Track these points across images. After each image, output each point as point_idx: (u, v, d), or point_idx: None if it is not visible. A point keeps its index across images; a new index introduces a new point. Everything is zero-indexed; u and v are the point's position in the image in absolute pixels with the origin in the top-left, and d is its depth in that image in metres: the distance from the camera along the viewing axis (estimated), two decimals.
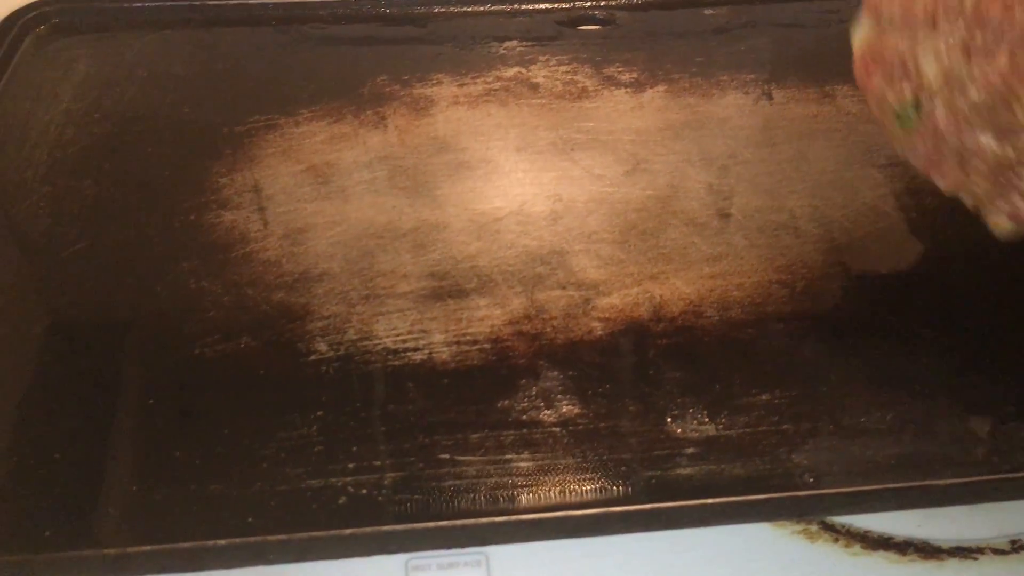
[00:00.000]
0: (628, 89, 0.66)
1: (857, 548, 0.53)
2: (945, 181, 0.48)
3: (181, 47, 0.68)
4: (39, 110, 0.63)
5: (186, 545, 0.42)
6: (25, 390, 0.49)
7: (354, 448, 0.46)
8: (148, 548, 0.42)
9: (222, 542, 0.42)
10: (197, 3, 0.70)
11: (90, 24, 0.69)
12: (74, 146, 0.61)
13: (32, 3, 0.69)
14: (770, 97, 0.65)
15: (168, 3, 0.70)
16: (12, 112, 0.63)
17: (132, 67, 0.66)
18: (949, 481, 0.46)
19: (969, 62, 0.42)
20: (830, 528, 0.53)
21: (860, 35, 0.49)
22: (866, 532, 0.52)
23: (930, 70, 0.44)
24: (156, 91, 0.65)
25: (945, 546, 0.53)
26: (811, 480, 0.46)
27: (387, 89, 0.65)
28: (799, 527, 0.53)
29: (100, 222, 0.56)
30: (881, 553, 0.52)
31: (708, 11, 0.73)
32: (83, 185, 0.58)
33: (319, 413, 0.48)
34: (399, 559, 0.53)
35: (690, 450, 0.47)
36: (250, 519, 0.44)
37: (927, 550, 0.52)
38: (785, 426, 0.48)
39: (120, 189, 0.58)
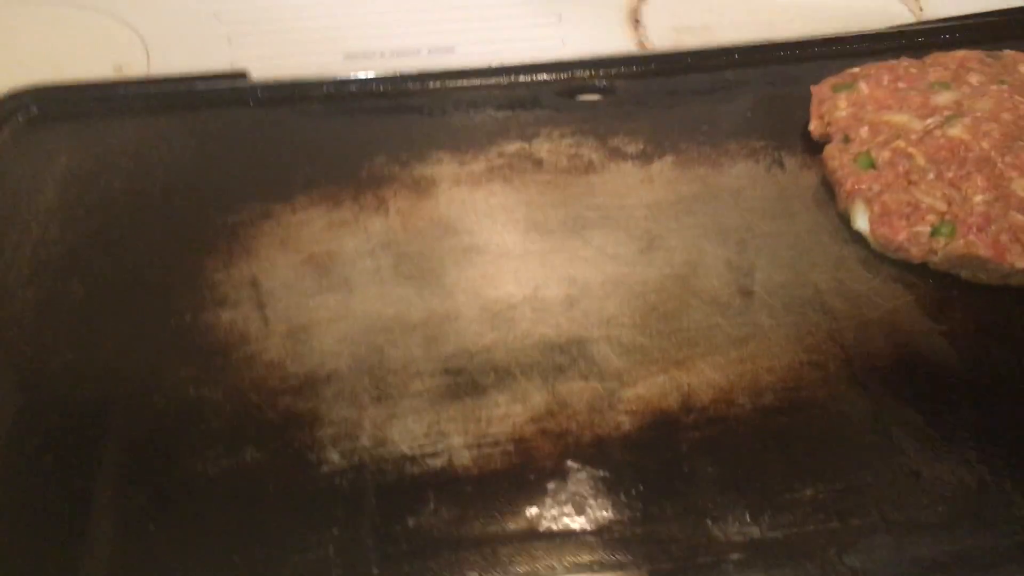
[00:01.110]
0: (635, 161, 0.64)
1: None
2: (1020, 259, 0.54)
3: (168, 132, 0.65)
4: (20, 206, 0.59)
5: None
6: (7, 521, 0.45)
7: (375, 570, 0.43)
8: None
9: None
10: (184, 87, 0.68)
11: (71, 112, 0.66)
12: (59, 245, 0.57)
13: (9, 93, 0.66)
14: (781, 165, 0.63)
15: (153, 87, 0.68)
16: None
17: (117, 156, 0.63)
18: None
19: (959, 188, 0.56)
20: None
21: (862, 218, 0.58)
22: None
23: (936, 204, 0.56)
24: (144, 181, 0.62)
25: None
26: None
27: (386, 170, 0.63)
28: None
29: (89, 328, 0.53)
30: None
31: (708, 75, 0.71)
32: (70, 287, 0.55)
33: (335, 531, 0.44)
34: None
35: (735, 556, 0.44)
36: None
37: None
38: (833, 524, 0.45)
39: (110, 290, 0.55)
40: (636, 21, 0.82)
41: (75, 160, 0.63)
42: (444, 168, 0.63)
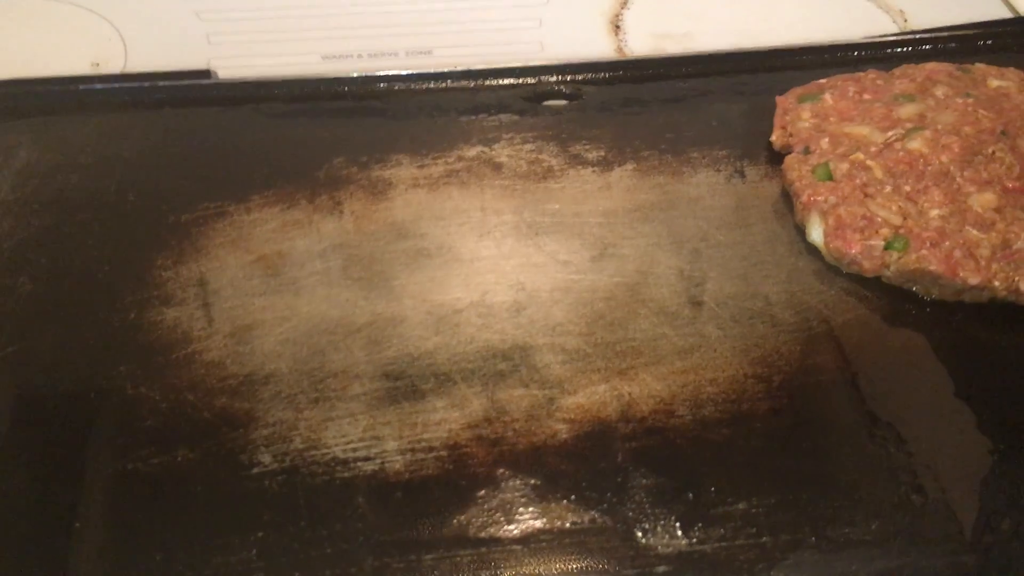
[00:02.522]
0: (595, 168, 0.63)
1: None
2: (973, 276, 0.53)
3: (128, 130, 0.65)
4: None
5: None
6: None
7: (297, 574, 0.43)
8: None
9: None
10: (146, 84, 0.68)
11: (33, 108, 0.66)
12: (10, 239, 0.57)
13: None
14: (742, 175, 0.63)
15: (115, 84, 0.68)
16: None
17: (76, 153, 0.63)
18: None
19: (916, 202, 0.56)
20: None
21: (816, 231, 0.57)
22: None
23: (891, 217, 0.56)
24: (101, 178, 0.62)
25: None
26: None
27: (344, 172, 0.63)
28: None
29: (33, 323, 0.53)
30: None
31: (678, 83, 0.71)
32: (17, 283, 0.55)
33: (260, 534, 0.44)
34: None
35: (662, 568, 0.43)
36: None
37: None
38: (764, 539, 0.44)
39: (57, 286, 0.55)
40: (616, 27, 0.81)
41: (34, 155, 0.63)
42: (402, 171, 0.63)
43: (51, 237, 0.58)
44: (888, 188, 0.56)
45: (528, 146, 0.65)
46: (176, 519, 0.45)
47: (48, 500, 0.45)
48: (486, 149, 0.64)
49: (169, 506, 0.45)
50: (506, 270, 0.57)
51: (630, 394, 0.50)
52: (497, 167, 0.63)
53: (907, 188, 0.56)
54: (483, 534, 0.45)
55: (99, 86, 0.68)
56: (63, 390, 0.50)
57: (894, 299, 0.55)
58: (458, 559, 0.44)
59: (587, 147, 0.65)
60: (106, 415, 0.49)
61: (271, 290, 0.55)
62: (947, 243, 0.53)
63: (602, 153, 0.64)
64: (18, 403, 0.49)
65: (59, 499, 0.45)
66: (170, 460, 0.47)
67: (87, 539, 0.44)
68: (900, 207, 0.55)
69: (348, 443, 0.48)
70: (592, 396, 0.50)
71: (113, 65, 0.74)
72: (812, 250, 0.58)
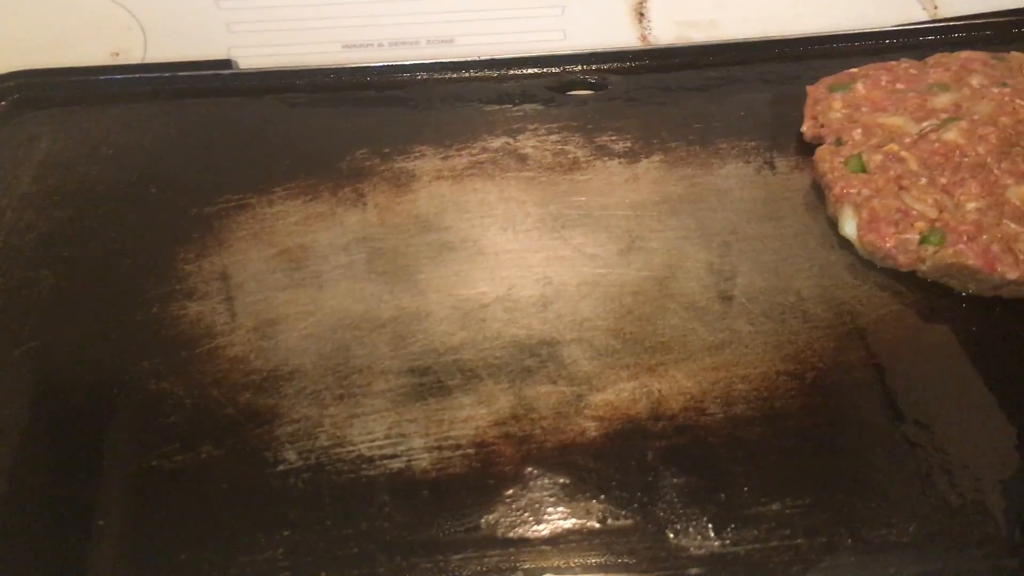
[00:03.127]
0: (622, 159, 0.62)
1: None
2: (1011, 270, 0.52)
3: (150, 121, 0.64)
4: None
5: None
6: None
7: (323, 574, 0.42)
8: None
9: None
10: (167, 75, 0.67)
11: (54, 99, 0.66)
12: (32, 232, 0.57)
13: None
14: (772, 166, 0.61)
15: (137, 75, 0.67)
16: None
17: (97, 144, 0.63)
18: None
19: (952, 195, 0.55)
20: None
21: (849, 224, 0.56)
22: None
23: (927, 210, 0.54)
24: (122, 170, 0.61)
25: None
26: None
27: (367, 163, 0.62)
28: None
29: (56, 317, 0.53)
30: None
31: (706, 72, 0.69)
32: (40, 276, 0.55)
33: (286, 532, 0.44)
34: None
35: (694, 570, 0.43)
36: None
37: None
38: (798, 540, 0.43)
39: (79, 279, 0.55)
40: (640, 15, 0.80)
41: (55, 147, 0.62)
42: (426, 162, 0.62)
43: (73, 230, 0.57)
44: (923, 180, 0.55)
45: (553, 137, 0.64)
46: (201, 517, 0.44)
47: (70, 496, 0.45)
48: (511, 140, 0.63)
49: (193, 504, 0.45)
50: (532, 264, 0.56)
51: (660, 391, 0.49)
52: (522, 158, 0.62)
53: (943, 180, 0.55)
54: (511, 534, 0.44)
55: (119, 77, 0.67)
56: (85, 385, 0.49)
57: (929, 294, 0.54)
58: (486, 559, 0.43)
59: (613, 138, 0.64)
60: (129, 410, 0.48)
61: (294, 284, 0.54)
62: (984, 237, 0.52)
63: (628, 144, 0.63)
64: (40, 398, 0.49)
65: (81, 495, 0.45)
66: (194, 457, 0.46)
67: (109, 536, 0.43)
68: (936, 200, 0.54)
69: (374, 440, 0.47)
70: (621, 393, 0.49)
71: (133, 55, 0.73)
72: (845, 244, 0.56)
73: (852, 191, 0.56)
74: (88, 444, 0.47)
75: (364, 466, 0.46)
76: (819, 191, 0.59)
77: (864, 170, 0.57)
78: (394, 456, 0.47)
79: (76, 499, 0.45)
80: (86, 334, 0.52)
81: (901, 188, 0.55)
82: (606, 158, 0.62)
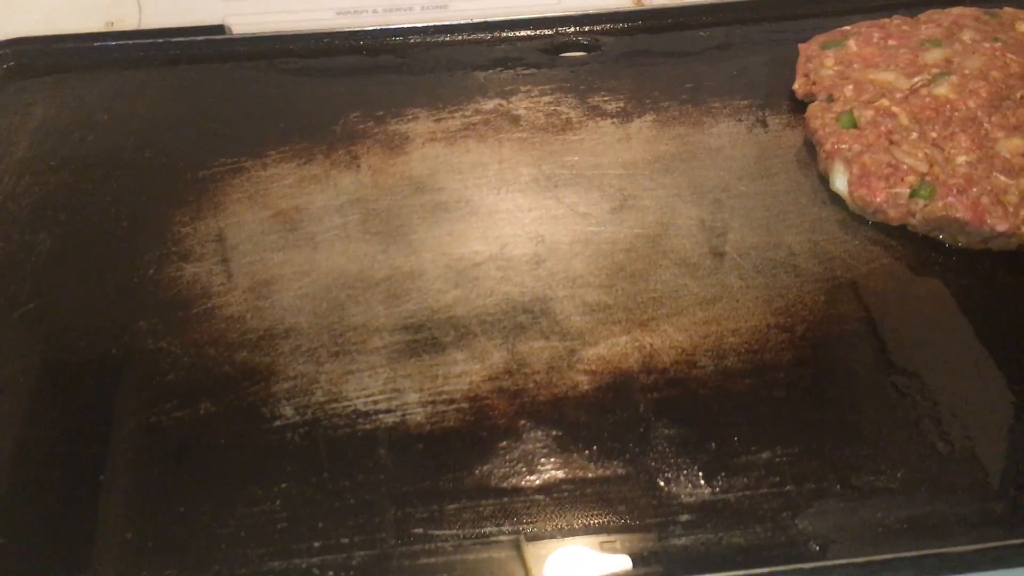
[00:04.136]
0: (614, 119, 0.62)
1: None
2: (1000, 223, 0.52)
3: (145, 87, 0.65)
4: None
5: None
6: None
7: (320, 524, 0.43)
8: None
9: None
10: (161, 41, 0.67)
11: (49, 66, 0.66)
12: (29, 197, 0.57)
13: None
14: (764, 124, 0.62)
15: (131, 41, 0.67)
16: None
17: (92, 110, 0.63)
18: (968, 548, 0.42)
19: (943, 149, 0.55)
20: None
21: (840, 179, 0.56)
22: None
23: (918, 164, 0.54)
24: (117, 135, 0.61)
25: None
26: (817, 549, 0.42)
27: (361, 126, 0.62)
28: None
29: (54, 279, 0.53)
30: None
31: (698, 32, 0.70)
32: (37, 239, 0.55)
33: (283, 485, 0.44)
34: None
35: (685, 517, 0.43)
36: None
37: None
38: (788, 487, 0.44)
39: (76, 243, 0.55)
40: None
41: (51, 113, 0.63)
42: (419, 124, 0.62)
43: (69, 194, 0.58)
44: (914, 135, 0.55)
45: (546, 98, 0.64)
46: (199, 471, 0.45)
47: (72, 453, 0.45)
48: (503, 102, 0.64)
49: (192, 458, 0.45)
50: (525, 223, 0.56)
51: (651, 345, 0.50)
52: (515, 120, 0.62)
53: (933, 135, 0.55)
54: (505, 484, 0.44)
55: (114, 43, 0.68)
56: (84, 345, 0.50)
57: (920, 248, 0.54)
58: (481, 509, 0.43)
59: (606, 99, 0.64)
60: (128, 370, 0.49)
61: (289, 245, 0.55)
62: (974, 190, 0.52)
63: (621, 104, 0.63)
64: (39, 359, 0.50)
65: (84, 452, 0.45)
66: (192, 413, 0.47)
67: (112, 491, 0.44)
68: (926, 154, 0.54)
69: (369, 396, 0.48)
70: (613, 347, 0.50)
71: (128, 22, 0.73)
72: (836, 199, 0.57)
73: (843, 146, 0.56)
74: (87, 402, 0.48)
75: (360, 420, 0.47)
76: (811, 148, 0.60)
77: (855, 126, 0.57)
78: (389, 411, 0.47)
79: (78, 455, 0.45)
80: (84, 296, 0.52)
81: (892, 143, 0.55)
82: (599, 118, 0.63)
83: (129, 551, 0.42)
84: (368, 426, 0.47)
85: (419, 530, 0.43)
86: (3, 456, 0.45)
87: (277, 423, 0.47)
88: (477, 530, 0.43)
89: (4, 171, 0.59)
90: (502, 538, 0.42)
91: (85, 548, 0.42)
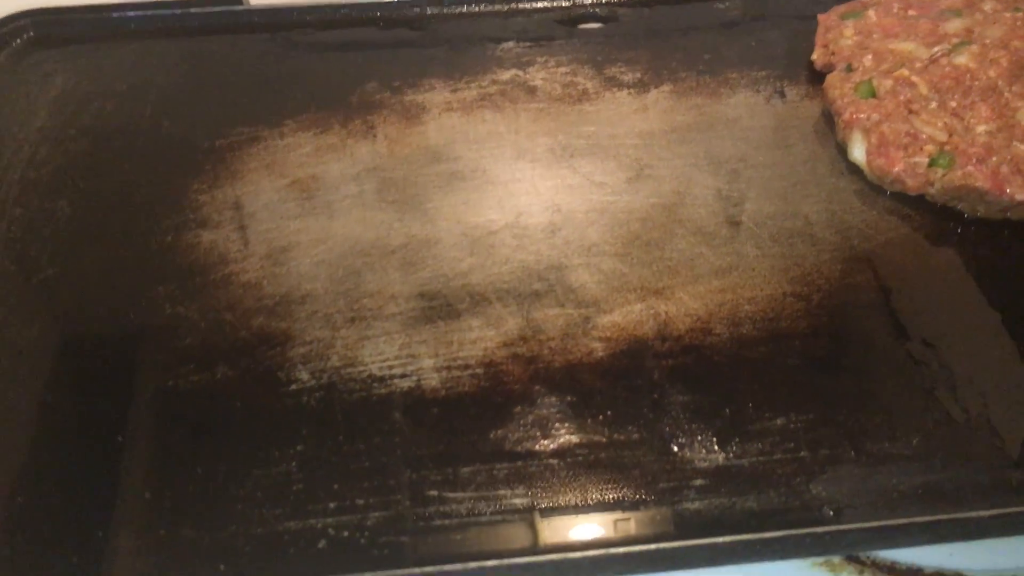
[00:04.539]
0: (631, 90, 0.62)
1: None
2: (1020, 192, 0.52)
3: (163, 57, 0.65)
4: (13, 128, 0.60)
5: None
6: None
7: (335, 486, 0.43)
8: None
9: None
10: (179, 11, 0.67)
11: (68, 36, 0.66)
12: (48, 165, 0.58)
13: (7, 16, 0.66)
14: (782, 95, 0.61)
15: (150, 12, 0.67)
16: None
17: (111, 80, 0.63)
18: (982, 513, 0.42)
19: (962, 118, 0.54)
20: (854, 559, 0.49)
21: (859, 149, 0.56)
22: (893, 563, 0.49)
23: (937, 134, 0.54)
24: (136, 104, 0.62)
25: None
26: (831, 514, 0.42)
27: (377, 96, 0.62)
28: (821, 559, 0.49)
29: (73, 246, 0.53)
30: None
31: (716, 4, 0.69)
32: (57, 206, 0.55)
33: (299, 448, 0.45)
34: None
35: (698, 482, 0.43)
36: (222, 566, 0.41)
37: None
38: (802, 453, 0.44)
39: (95, 210, 0.55)
40: None
41: (70, 83, 0.63)
42: (436, 95, 0.62)
43: (88, 163, 0.58)
44: (933, 104, 0.55)
45: (563, 69, 0.64)
46: (216, 434, 0.45)
47: (92, 416, 0.46)
48: (520, 72, 0.64)
49: (209, 421, 0.46)
50: (541, 192, 0.56)
51: (666, 313, 0.50)
52: (531, 90, 0.62)
53: (953, 104, 0.55)
54: (519, 448, 0.45)
55: (132, 14, 0.68)
56: (103, 311, 0.50)
57: (938, 218, 0.54)
58: (495, 472, 0.44)
59: (623, 69, 0.64)
60: (145, 334, 0.49)
61: (306, 213, 0.55)
62: (994, 159, 0.52)
63: (638, 75, 0.63)
64: (59, 323, 0.50)
65: (102, 415, 0.46)
66: (209, 377, 0.47)
67: (131, 452, 0.44)
68: (946, 123, 0.54)
69: (384, 361, 0.48)
70: (628, 315, 0.50)
71: None
72: (854, 169, 0.56)
73: (861, 116, 0.56)
74: (106, 366, 0.48)
75: (375, 385, 0.47)
76: (829, 119, 0.59)
77: (874, 95, 0.56)
78: (404, 376, 0.47)
79: (97, 418, 0.46)
80: (102, 262, 0.53)
81: (911, 112, 0.55)
82: (615, 89, 0.62)
83: (147, 511, 0.42)
84: (383, 391, 0.47)
85: (433, 492, 0.43)
86: (23, 419, 0.46)
87: (293, 387, 0.47)
88: (491, 493, 0.43)
89: (24, 140, 0.59)
90: (516, 501, 0.43)
91: (104, 508, 0.42)
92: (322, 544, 0.41)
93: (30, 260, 0.53)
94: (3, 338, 0.49)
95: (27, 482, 0.44)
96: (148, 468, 0.44)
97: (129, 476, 0.44)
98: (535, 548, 0.41)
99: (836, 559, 0.49)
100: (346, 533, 0.42)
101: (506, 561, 0.41)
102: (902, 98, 0.55)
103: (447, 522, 0.42)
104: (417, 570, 0.40)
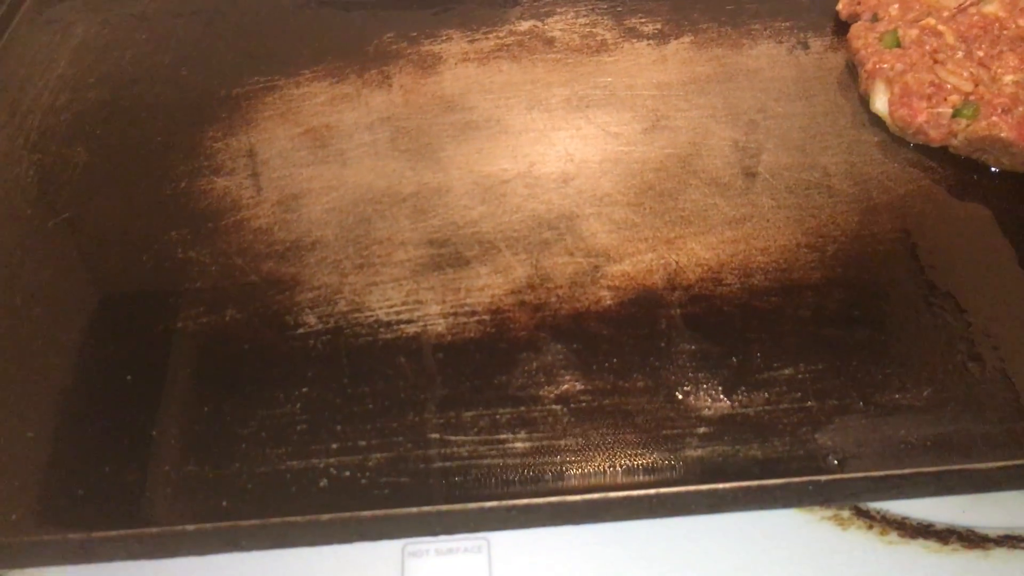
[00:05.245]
0: (651, 41, 0.61)
1: (893, 536, 0.48)
2: None
3: (183, 7, 0.65)
4: (34, 75, 0.61)
5: (154, 530, 0.40)
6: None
7: (338, 427, 0.43)
8: (114, 533, 0.40)
9: (191, 527, 0.40)
10: None
11: None
12: (67, 112, 0.58)
13: None
14: (806, 46, 0.60)
15: None
16: (7, 78, 0.61)
17: (132, 29, 0.64)
18: (991, 465, 0.41)
19: (989, 68, 0.53)
20: (864, 514, 0.48)
21: (881, 99, 0.55)
22: (904, 519, 0.48)
23: (962, 84, 0.53)
24: (155, 53, 0.62)
25: (992, 534, 0.48)
26: (835, 463, 0.41)
27: (393, 47, 0.62)
28: (829, 513, 0.49)
29: (89, 191, 0.54)
30: (920, 542, 0.48)
31: None
32: (74, 152, 0.56)
33: (304, 390, 0.45)
34: (396, 545, 0.50)
35: (702, 429, 0.43)
36: (225, 503, 0.41)
37: (972, 539, 0.48)
38: (809, 403, 0.43)
39: (112, 156, 0.56)
40: None
41: (90, 32, 0.64)
42: (452, 45, 0.62)
43: (106, 110, 0.59)
44: (960, 54, 0.53)
45: (582, 20, 0.63)
46: (223, 374, 0.46)
47: (102, 355, 0.47)
48: (538, 23, 0.63)
49: (216, 362, 0.46)
50: (554, 142, 0.56)
51: (677, 263, 0.49)
52: (549, 41, 0.62)
53: (980, 53, 0.53)
54: (523, 394, 0.44)
55: None
56: (116, 253, 0.51)
57: (960, 170, 0.52)
58: (497, 416, 0.44)
59: (643, 20, 0.63)
60: (157, 276, 0.50)
61: (319, 161, 0.55)
62: (1020, 109, 0.51)
63: (658, 26, 0.62)
64: (73, 264, 0.51)
65: (112, 353, 0.47)
66: (218, 320, 0.48)
67: (139, 391, 0.45)
68: (971, 73, 0.52)
69: (391, 306, 0.48)
70: (638, 264, 0.49)
71: None
72: (876, 122, 0.55)
73: (885, 66, 0.54)
74: (117, 306, 0.49)
75: (381, 330, 0.47)
76: (853, 71, 0.58)
77: (899, 45, 0.55)
78: (410, 321, 0.47)
79: (107, 357, 0.46)
80: (117, 206, 0.53)
81: (936, 62, 0.53)
82: (634, 40, 0.61)
83: (153, 447, 0.43)
84: (389, 335, 0.47)
85: (435, 435, 0.43)
86: (35, 358, 0.47)
87: (300, 331, 0.47)
88: (492, 437, 0.43)
89: (44, 87, 0.60)
90: (517, 445, 0.43)
91: (110, 444, 0.43)
92: (323, 483, 0.42)
93: (47, 204, 0.53)
94: (18, 279, 0.50)
95: (34, 418, 0.44)
96: (154, 406, 0.44)
97: (135, 414, 0.44)
98: (535, 491, 0.41)
99: (845, 514, 0.48)
100: (347, 473, 0.42)
101: (505, 503, 0.41)
102: (927, 48, 0.54)
103: (448, 464, 0.42)
104: (415, 510, 0.41)
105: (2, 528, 0.40)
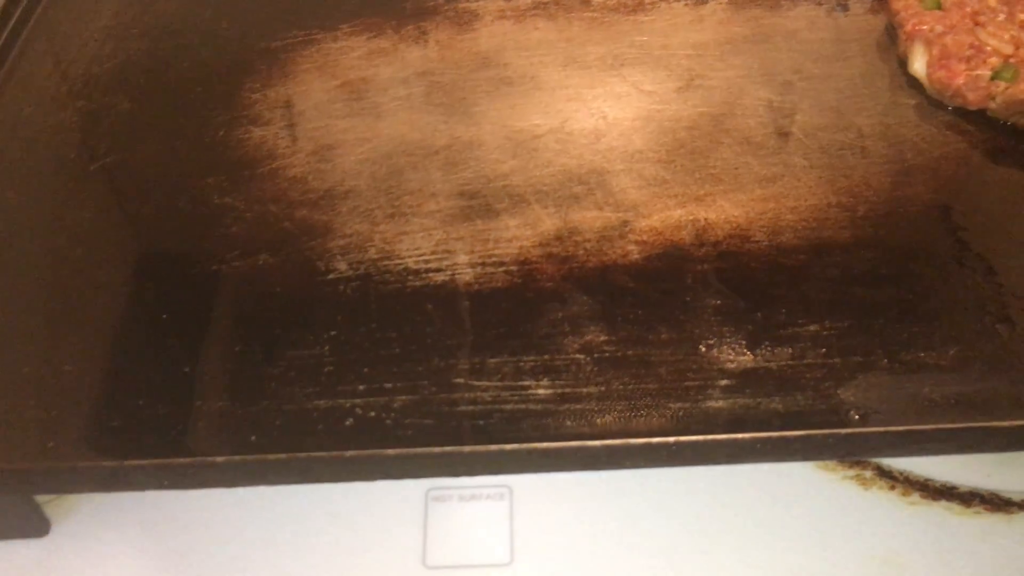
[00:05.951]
0: (688, 1, 0.61)
1: (916, 496, 0.48)
2: None
3: None
4: (80, 26, 0.62)
5: (184, 460, 0.41)
6: (30, 302, 0.48)
7: (365, 369, 0.44)
8: (146, 462, 0.41)
9: (220, 459, 0.41)
10: None
11: None
12: (111, 61, 0.60)
13: None
14: (845, 7, 0.59)
15: None
16: (54, 27, 0.62)
17: None
18: (1017, 423, 0.40)
19: None
20: (886, 474, 0.48)
21: (919, 61, 0.54)
22: (927, 480, 0.48)
23: (1002, 46, 0.52)
24: (196, 6, 0.63)
25: (1016, 498, 0.48)
26: (857, 418, 0.41)
27: (431, 3, 0.62)
28: (851, 472, 0.49)
29: (130, 138, 0.55)
30: (943, 503, 0.48)
31: None
32: (117, 101, 0.57)
33: (332, 333, 0.46)
34: (420, 489, 0.51)
35: (724, 382, 0.43)
36: (253, 437, 0.42)
37: (995, 502, 0.48)
38: (833, 359, 0.43)
39: (153, 105, 0.57)
40: None
41: None
42: (490, 3, 0.62)
43: (148, 60, 0.60)
44: (1001, 16, 0.53)
45: None
46: (255, 315, 0.47)
47: (140, 294, 0.48)
48: None
49: (248, 304, 0.47)
50: (588, 99, 0.56)
51: (706, 219, 0.49)
52: (586, 0, 0.62)
53: (1022, 16, 0.52)
54: (547, 343, 0.45)
55: None
56: (154, 197, 0.52)
57: (998, 134, 0.52)
58: (521, 364, 0.44)
59: None
60: (193, 220, 0.51)
61: (354, 113, 0.56)
62: None
63: None
64: (112, 207, 0.52)
65: (149, 293, 0.48)
66: (251, 264, 0.49)
67: (173, 329, 0.46)
68: (1013, 36, 0.52)
69: (420, 255, 0.49)
70: (667, 220, 0.49)
71: None
72: (914, 84, 0.54)
73: (924, 28, 0.54)
74: (154, 248, 0.50)
75: (410, 278, 0.48)
76: (892, 34, 0.57)
77: (939, 7, 0.54)
78: (439, 270, 0.48)
79: (144, 296, 0.48)
80: (156, 152, 0.54)
81: (977, 24, 0.53)
82: (672, 0, 0.61)
83: (185, 382, 0.44)
84: (417, 283, 0.47)
85: (459, 380, 0.44)
86: (74, 296, 0.48)
87: (331, 276, 0.48)
88: (515, 383, 0.44)
89: (89, 37, 0.61)
90: (540, 392, 0.43)
91: (145, 378, 0.44)
92: (349, 422, 0.42)
93: (89, 149, 0.55)
94: (61, 220, 0.51)
95: (72, 352, 0.46)
96: (188, 344, 0.45)
97: (169, 351, 0.45)
98: (556, 435, 0.42)
99: (868, 474, 0.48)
100: (373, 413, 0.43)
101: (526, 446, 0.41)
102: (968, 10, 0.53)
103: (471, 408, 0.43)
104: (437, 450, 0.41)
105: (38, 454, 0.42)
